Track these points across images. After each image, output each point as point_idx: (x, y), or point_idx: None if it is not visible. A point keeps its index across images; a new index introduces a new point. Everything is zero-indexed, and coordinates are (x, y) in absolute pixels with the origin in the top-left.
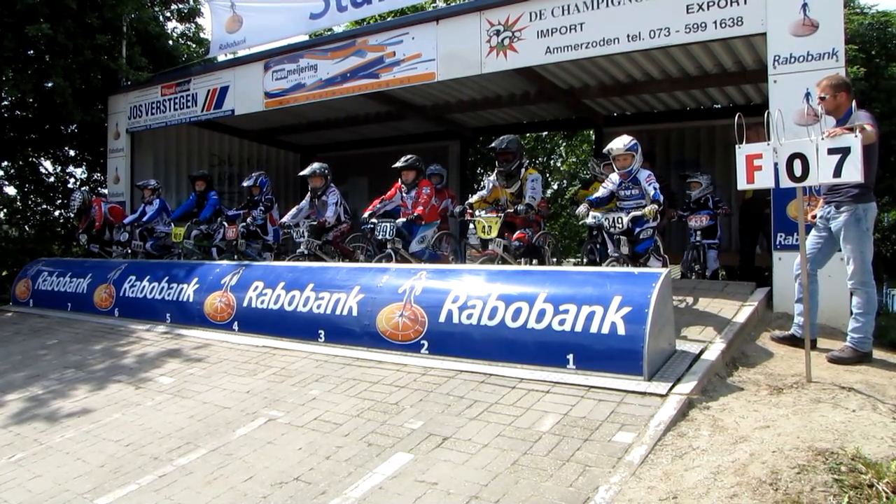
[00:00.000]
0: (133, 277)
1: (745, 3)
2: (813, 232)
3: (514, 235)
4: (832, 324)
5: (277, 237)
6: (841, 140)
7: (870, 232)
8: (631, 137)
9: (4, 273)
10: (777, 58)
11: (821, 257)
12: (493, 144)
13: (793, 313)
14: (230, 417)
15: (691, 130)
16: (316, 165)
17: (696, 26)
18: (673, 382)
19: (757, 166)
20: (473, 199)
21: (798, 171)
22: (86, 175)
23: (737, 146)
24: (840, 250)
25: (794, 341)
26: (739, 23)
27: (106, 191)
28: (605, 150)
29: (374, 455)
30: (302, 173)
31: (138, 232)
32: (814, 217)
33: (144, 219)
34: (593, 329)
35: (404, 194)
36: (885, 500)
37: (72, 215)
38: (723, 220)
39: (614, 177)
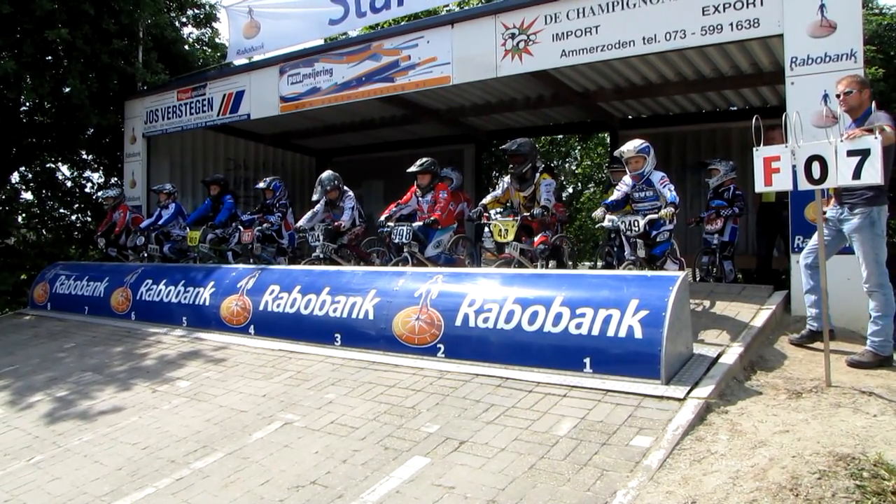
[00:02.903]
0: (149, 281)
1: (762, 4)
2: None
3: (536, 240)
4: (851, 327)
5: (293, 241)
6: (860, 142)
7: (884, 234)
8: (642, 140)
9: (23, 277)
10: (794, 59)
11: (826, 253)
12: (504, 146)
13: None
14: (246, 421)
15: (707, 133)
16: (324, 180)
17: (711, 28)
18: (690, 386)
19: (775, 169)
20: (487, 199)
21: (816, 173)
22: (102, 180)
23: (754, 149)
24: (848, 246)
25: (812, 339)
26: (756, 24)
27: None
28: (616, 153)
29: (390, 459)
30: (314, 198)
31: (154, 236)
32: (824, 214)
33: (160, 222)
34: (610, 332)
35: (420, 198)
36: None
37: (101, 197)
38: (738, 222)
39: (627, 179)
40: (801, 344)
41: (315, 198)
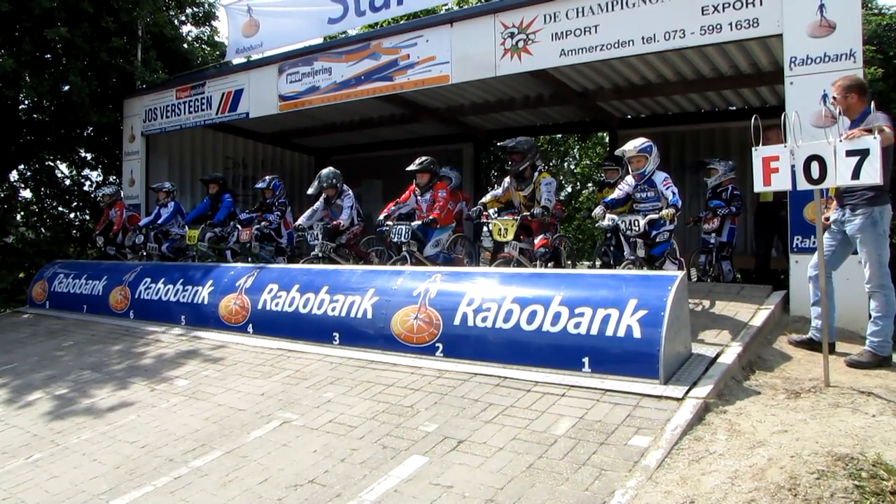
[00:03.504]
0: (148, 280)
1: (761, 4)
2: (826, 234)
3: (537, 243)
4: (851, 327)
5: (291, 240)
6: (859, 142)
7: (886, 234)
8: (645, 139)
9: (21, 275)
10: (793, 59)
11: (835, 260)
12: (503, 143)
13: (809, 316)
14: (245, 419)
15: (706, 133)
16: (323, 175)
17: (711, 28)
18: (689, 386)
19: (773, 169)
20: (486, 198)
21: (815, 173)
22: (101, 178)
23: (753, 148)
24: (855, 252)
25: (811, 345)
26: (755, 24)
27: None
28: (617, 152)
29: (388, 458)
30: (310, 191)
31: (153, 234)
32: (827, 220)
33: (159, 221)
34: (609, 332)
35: (419, 197)
36: None
37: (98, 195)
38: (736, 222)
39: (629, 179)
40: (800, 345)
41: (310, 192)
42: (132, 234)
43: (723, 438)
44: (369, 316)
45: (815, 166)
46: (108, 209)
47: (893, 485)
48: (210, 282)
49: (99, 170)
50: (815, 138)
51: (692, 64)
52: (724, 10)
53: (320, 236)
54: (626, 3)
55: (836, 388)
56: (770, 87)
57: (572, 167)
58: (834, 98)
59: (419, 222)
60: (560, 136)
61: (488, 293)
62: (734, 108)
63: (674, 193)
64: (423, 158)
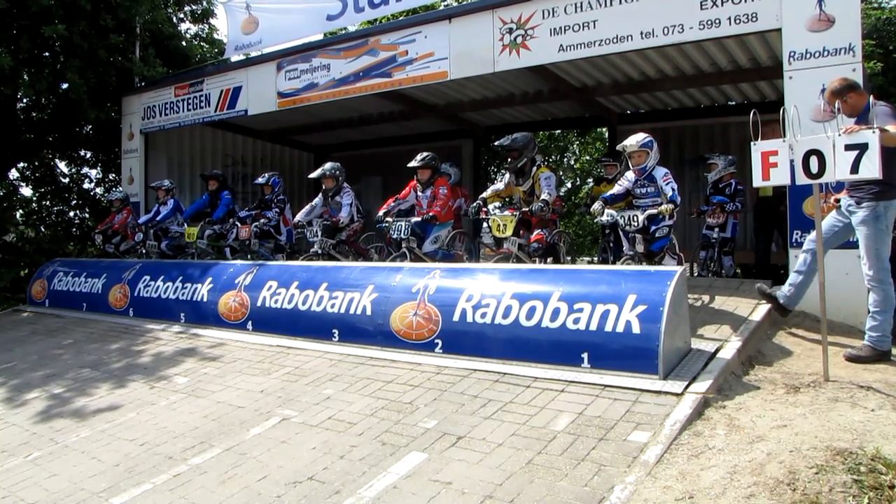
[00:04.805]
0: (147, 277)
1: None
2: (834, 213)
3: (532, 237)
4: (850, 322)
5: (290, 237)
6: (858, 136)
7: (889, 230)
8: (646, 134)
9: (22, 273)
10: (792, 54)
11: (834, 239)
12: (498, 142)
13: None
14: (244, 417)
15: (705, 128)
16: (327, 166)
17: (709, 23)
18: (688, 381)
19: (773, 163)
20: (487, 192)
21: (814, 167)
22: (100, 176)
23: (752, 143)
24: (852, 240)
25: (773, 301)
26: (754, 18)
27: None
28: (619, 147)
29: (388, 454)
30: (312, 175)
31: (153, 232)
32: (836, 201)
33: (158, 219)
34: (608, 328)
35: (419, 193)
36: None
37: (107, 198)
38: (738, 218)
39: (629, 174)
40: (765, 296)
41: (313, 176)
42: (130, 240)
43: (722, 433)
44: (368, 312)
45: (814, 161)
46: (116, 213)
47: (892, 479)
48: (209, 279)
49: (98, 168)
50: (814, 133)
51: (691, 59)
52: (722, 5)
53: (319, 233)
54: None
55: (836, 382)
56: (769, 82)
57: (572, 163)
58: None
59: (418, 219)
60: (559, 131)
61: (487, 289)
62: (733, 102)
63: (673, 189)
64: (425, 154)
